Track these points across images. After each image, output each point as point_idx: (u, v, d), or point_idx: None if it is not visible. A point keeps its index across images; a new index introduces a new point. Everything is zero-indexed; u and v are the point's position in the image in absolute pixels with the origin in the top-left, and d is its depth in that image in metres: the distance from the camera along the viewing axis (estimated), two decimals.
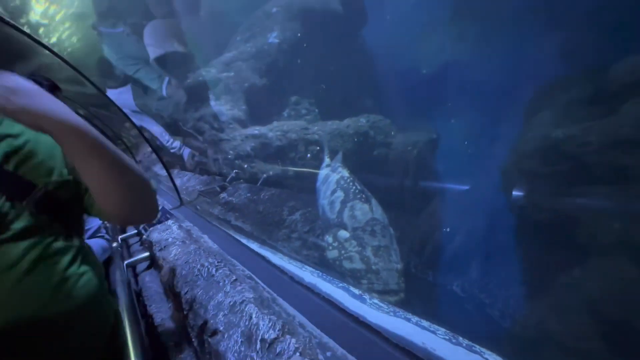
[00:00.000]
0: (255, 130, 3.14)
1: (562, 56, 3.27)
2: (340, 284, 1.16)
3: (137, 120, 5.04)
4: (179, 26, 4.42)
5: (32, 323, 0.76)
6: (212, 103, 3.74)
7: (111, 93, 5.09)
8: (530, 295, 2.15)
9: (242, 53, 3.97)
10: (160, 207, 2.79)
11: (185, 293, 1.25)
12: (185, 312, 1.23)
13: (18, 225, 0.79)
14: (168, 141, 5.01)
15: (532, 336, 1.82)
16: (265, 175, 2.90)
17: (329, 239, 2.00)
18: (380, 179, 3.20)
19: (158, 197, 0.96)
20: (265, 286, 1.18)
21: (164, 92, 4.62)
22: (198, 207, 2.79)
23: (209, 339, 0.96)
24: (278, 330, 0.86)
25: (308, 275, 1.24)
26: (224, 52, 4.18)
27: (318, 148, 2.88)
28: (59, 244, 0.85)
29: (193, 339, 1.13)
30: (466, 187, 3.41)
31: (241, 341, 0.88)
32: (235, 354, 0.84)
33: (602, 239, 1.81)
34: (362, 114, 3.67)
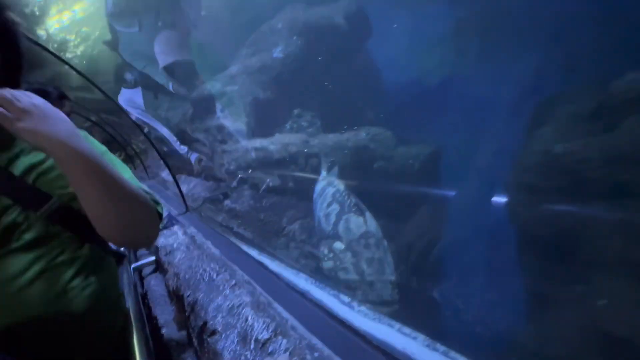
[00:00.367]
0: (257, 142, 3.25)
1: (564, 71, 3.30)
2: (332, 292, 1.23)
3: (149, 120, 5.20)
4: (186, 36, 4.63)
5: (34, 326, 0.78)
6: (217, 115, 3.88)
7: (125, 92, 5.29)
8: (532, 309, 2.17)
9: (247, 67, 4.12)
10: (166, 213, 2.89)
11: (188, 296, 1.33)
12: (187, 314, 1.30)
13: (29, 235, 0.82)
14: (176, 143, 5.14)
15: (534, 350, 1.83)
16: (269, 180, 2.99)
17: (324, 250, 2.07)
18: (379, 192, 3.25)
19: (165, 203, 1.02)
20: (262, 291, 1.25)
21: (170, 88, 4.79)
22: (202, 213, 2.88)
23: (208, 339, 1.03)
24: (271, 332, 0.93)
25: (303, 282, 1.32)
26: (229, 65, 4.36)
27: (317, 161, 2.97)
28: (66, 256, 0.87)
29: (193, 339, 1.20)
30: (466, 199, 3.44)
31: (237, 341, 0.95)
32: (231, 353, 0.91)
33: (604, 255, 1.82)
34: (364, 127, 3.70)
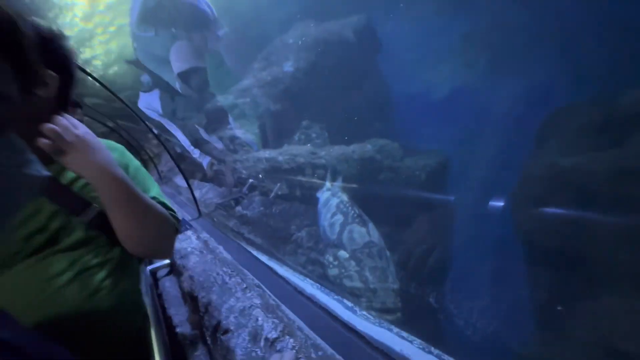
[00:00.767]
0: (267, 153, 3.37)
1: (571, 84, 3.30)
2: (336, 297, 1.30)
3: (165, 122, 5.39)
4: (202, 46, 4.84)
5: (69, 321, 0.85)
6: (230, 126, 4.02)
7: (143, 97, 5.51)
8: (538, 320, 2.18)
9: (259, 80, 4.27)
10: (180, 218, 2.99)
11: (202, 297, 1.41)
12: (201, 314, 1.39)
13: (72, 238, 0.91)
14: (190, 146, 5.29)
15: None
16: (277, 187, 3.08)
17: (329, 257, 2.14)
18: (385, 202, 3.29)
19: (178, 208, 1.11)
20: (271, 294, 1.33)
21: (179, 89, 4.99)
22: (215, 219, 2.98)
23: (221, 337, 1.11)
24: (279, 332, 1.01)
25: (309, 287, 1.39)
26: (242, 79, 4.54)
27: (324, 171, 3.05)
28: (99, 258, 0.95)
29: (207, 337, 1.28)
30: (472, 209, 3.46)
31: (248, 339, 1.03)
32: (243, 349, 0.99)
33: (609, 267, 1.83)
34: (371, 139, 3.76)
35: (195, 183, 5.19)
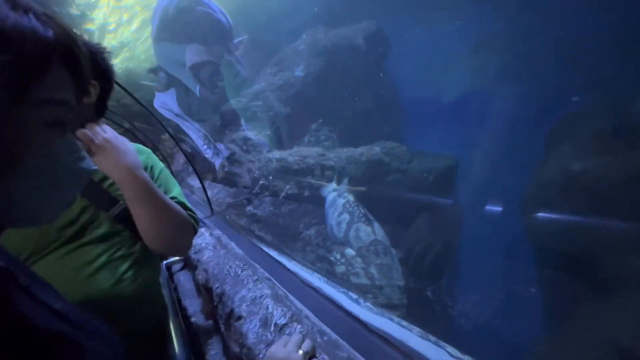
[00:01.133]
0: (277, 154, 3.47)
1: (584, 88, 3.27)
2: (341, 289, 1.37)
3: (180, 122, 5.56)
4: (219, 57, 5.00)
5: (96, 306, 0.91)
6: (242, 128, 4.16)
7: (159, 96, 5.70)
8: (549, 324, 2.19)
9: (271, 85, 4.41)
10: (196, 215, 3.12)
11: (217, 288, 1.50)
12: (215, 304, 1.47)
13: (99, 231, 0.99)
14: (202, 146, 5.44)
15: None
16: (287, 187, 3.17)
17: (336, 255, 2.21)
18: (392, 203, 3.34)
19: (193, 206, 1.18)
20: (280, 286, 1.40)
21: (198, 93, 5.14)
22: (227, 217, 3.09)
23: (235, 323, 1.19)
24: (288, 318, 1.08)
25: (316, 280, 1.46)
26: (255, 83, 4.71)
27: (332, 172, 3.13)
28: (123, 251, 1.03)
29: (221, 325, 1.37)
30: (481, 213, 3.46)
31: (259, 325, 1.10)
32: (255, 334, 1.07)
33: (623, 274, 1.80)
34: (379, 142, 3.81)
35: (206, 183, 5.32)
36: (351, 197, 2.53)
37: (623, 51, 2.98)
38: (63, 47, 0.42)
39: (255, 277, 1.45)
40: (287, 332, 1.03)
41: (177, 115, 5.29)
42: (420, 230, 2.82)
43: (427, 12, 5.81)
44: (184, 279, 2.31)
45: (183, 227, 1.06)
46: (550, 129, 2.62)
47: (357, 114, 4.47)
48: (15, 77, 0.36)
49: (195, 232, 1.12)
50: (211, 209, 3.27)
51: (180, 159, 6.58)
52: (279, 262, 1.71)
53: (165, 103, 5.49)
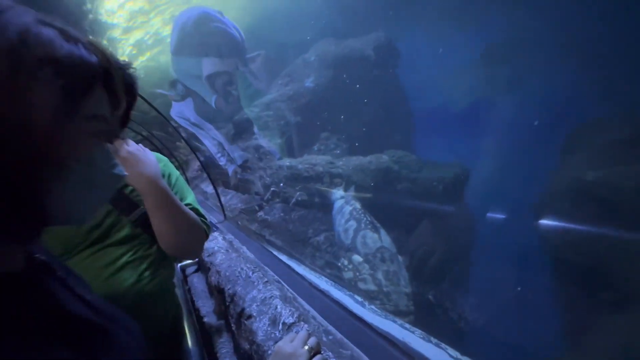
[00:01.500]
0: (288, 162, 3.56)
1: (598, 97, 3.23)
2: (348, 293, 1.41)
3: (196, 131, 5.75)
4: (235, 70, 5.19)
5: (119, 301, 1.03)
6: (255, 136, 4.29)
7: (176, 105, 5.92)
8: (565, 336, 2.15)
9: (282, 95, 4.54)
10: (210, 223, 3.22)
11: (229, 289, 1.56)
12: (227, 304, 1.53)
13: (121, 234, 1.06)
14: (217, 154, 5.59)
15: None
16: (297, 194, 3.24)
17: (344, 261, 2.24)
18: (401, 211, 3.35)
19: (205, 212, 1.24)
20: (289, 288, 1.45)
21: (213, 105, 5.33)
22: (239, 222, 3.17)
23: (245, 322, 1.25)
24: (295, 318, 1.13)
25: (323, 283, 1.50)
26: (266, 94, 4.87)
27: (341, 180, 3.19)
28: (141, 252, 1.09)
29: (232, 324, 1.42)
30: (493, 221, 3.43)
31: (268, 324, 1.15)
32: (264, 332, 1.12)
33: (637, 285, 1.79)
34: (389, 150, 3.81)
35: (220, 189, 5.45)
36: (358, 205, 2.58)
37: (638, 60, 2.94)
38: (103, 70, 0.49)
39: (266, 279, 1.50)
40: (294, 330, 1.08)
41: (193, 124, 5.47)
42: (426, 237, 2.83)
43: (436, 22, 5.85)
44: (197, 281, 2.38)
45: (196, 232, 1.12)
46: (565, 137, 2.61)
47: (366, 123, 4.54)
48: (68, 97, 0.43)
49: (207, 236, 1.18)
50: (224, 214, 3.36)
51: (195, 165, 6.76)
52: (288, 266, 1.77)
53: (182, 112, 5.70)
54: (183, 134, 5.35)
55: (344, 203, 2.67)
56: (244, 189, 4.56)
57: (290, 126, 4.28)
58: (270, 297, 1.31)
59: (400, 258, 2.23)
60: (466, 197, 3.74)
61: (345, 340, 1.02)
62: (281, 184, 3.53)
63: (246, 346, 1.17)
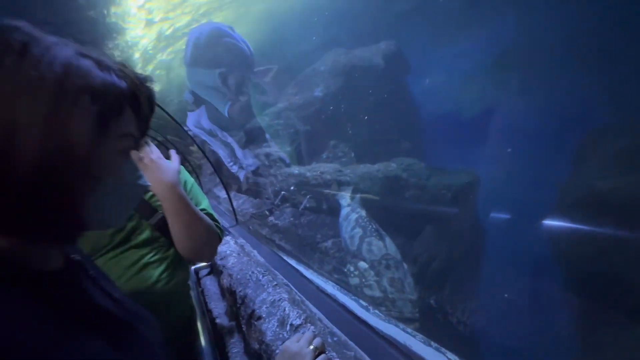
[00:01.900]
0: (296, 170, 3.64)
1: (610, 104, 3.20)
2: (353, 297, 1.45)
3: (209, 140, 5.92)
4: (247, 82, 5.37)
5: (140, 299, 1.10)
6: (265, 144, 4.40)
7: (191, 115, 6.12)
8: (576, 346, 2.13)
9: (292, 104, 4.65)
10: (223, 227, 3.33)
11: (240, 291, 1.63)
12: (238, 306, 1.60)
13: (142, 236, 1.13)
14: (229, 162, 5.74)
15: None
16: (306, 200, 3.30)
17: (350, 267, 2.28)
18: (408, 218, 3.36)
19: (218, 216, 1.31)
20: (297, 291, 1.51)
21: (226, 114, 5.49)
22: (250, 227, 3.25)
23: (255, 323, 1.31)
24: (302, 320, 1.18)
25: (330, 287, 1.55)
26: (277, 103, 5.00)
27: (348, 188, 3.23)
28: (160, 255, 1.16)
29: (242, 325, 1.49)
30: (503, 230, 3.41)
31: (277, 325, 1.21)
32: (272, 332, 1.18)
33: None
34: (397, 158, 3.79)
35: (232, 194, 5.57)
36: (363, 212, 2.62)
37: None
38: (131, 94, 0.57)
39: (275, 283, 1.56)
40: (301, 331, 1.14)
41: (208, 132, 5.65)
42: (431, 244, 2.84)
43: (447, 29, 5.86)
44: (209, 284, 2.46)
45: (210, 237, 1.18)
46: (577, 145, 2.59)
47: (375, 131, 4.58)
48: (102, 119, 0.49)
49: (220, 240, 1.24)
50: (236, 218, 3.46)
51: (208, 169, 6.93)
52: (297, 270, 1.83)
53: (197, 122, 5.89)
54: (196, 140, 5.53)
55: (350, 211, 2.72)
56: (255, 194, 4.66)
57: (300, 134, 4.38)
58: (279, 300, 1.37)
59: (405, 266, 2.25)
60: (476, 204, 3.71)
61: (349, 341, 1.07)
62: (292, 187, 3.61)
63: (256, 346, 1.23)
